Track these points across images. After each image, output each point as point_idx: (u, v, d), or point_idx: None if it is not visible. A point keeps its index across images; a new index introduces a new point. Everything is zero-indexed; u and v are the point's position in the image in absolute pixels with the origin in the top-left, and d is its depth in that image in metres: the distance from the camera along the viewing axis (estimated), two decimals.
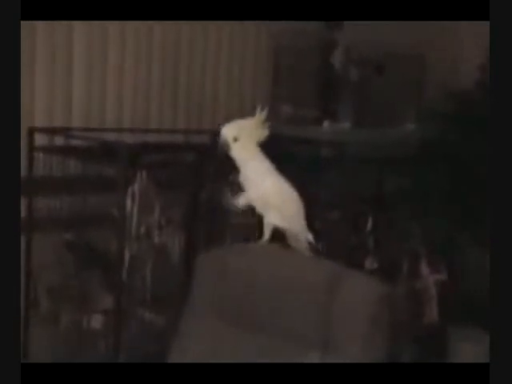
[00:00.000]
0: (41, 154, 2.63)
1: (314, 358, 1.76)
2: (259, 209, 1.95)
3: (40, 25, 2.71)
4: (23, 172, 2.48)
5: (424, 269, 3.22)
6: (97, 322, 2.53)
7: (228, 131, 1.87)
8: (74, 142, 2.65)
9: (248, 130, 1.88)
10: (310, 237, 2.01)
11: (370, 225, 3.03)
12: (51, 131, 2.70)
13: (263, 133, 1.89)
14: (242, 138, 1.86)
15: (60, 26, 2.77)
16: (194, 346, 1.93)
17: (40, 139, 2.66)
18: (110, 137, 2.73)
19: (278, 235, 1.98)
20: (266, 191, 1.90)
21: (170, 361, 1.94)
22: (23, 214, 2.58)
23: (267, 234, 1.96)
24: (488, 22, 1.72)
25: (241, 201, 1.93)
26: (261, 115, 1.88)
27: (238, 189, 1.97)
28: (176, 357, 1.94)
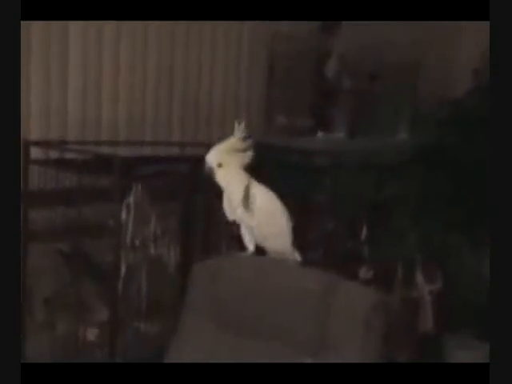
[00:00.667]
0: (36, 167, 2.63)
1: (309, 362, 1.77)
2: (248, 226, 1.97)
3: (35, 28, 2.71)
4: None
5: (419, 278, 3.22)
6: (92, 332, 2.54)
7: (211, 158, 1.91)
8: (70, 155, 2.66)
9: (230, 154, 1.91)
10: (297, 255, 2.03)
11: (364, 233, 3.04)
12: (46, 144, 2.71)
13: (247, 155, 1.92)
14: (226, 164, 1.90)
15: (55, 31, 2.78)
16: (191, 354, 1.93)
17: (35, 152, 2.66)
18: (105, 149, 2.74)
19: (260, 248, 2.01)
20: (255, 212, 1.93)
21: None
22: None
23: (253, 245, 1.99)
24: (488, 22, 1.73)
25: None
26: (239, 133, 1.90)
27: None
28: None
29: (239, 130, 1.91)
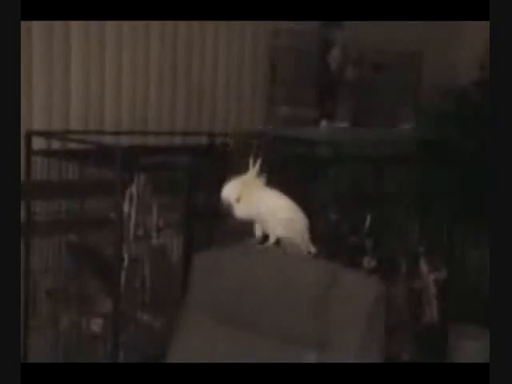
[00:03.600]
0: (38, 158, 2.62)
1: (311, 356, 1.76)
2: (265, 227, 1.98)
3: (36, 25, 2.70)
4: (21, 175, 2.48)
5: (423, 267, 3.22)
6: (96, 324, 2.53)
7: (229, 194, 1.89)
8: (72, 145, 2.65)
9: (247, 187, 1.90)
10: (312, 249, 2.04)
11: (368, 224, 3.03)
12: (49, 135, 2.70)
13: (260, 182, 1.92)
14: (244, 197, 1.89)
15: (57, 26, 2.77)
16: (192, 345, 1.93)
17: (37, 143, 2.65)
18: (108, 139, 2.73)
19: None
20: (276, 212, 1.94)
21: (168, 361, 1.94)
22: (21, 217, 2.58)
23: (273, 238, 1.99)
24: (488, 22, 1.73)
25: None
26: (254, 170, 1.89)
27: None
28: (174, 357, 1.95)
29: (254, 165, 1.90)
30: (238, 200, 1.89)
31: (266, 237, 1.99)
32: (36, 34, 2.71)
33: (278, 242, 2.00)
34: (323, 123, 3.36)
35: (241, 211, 1.90)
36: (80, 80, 2.87)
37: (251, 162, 1.90)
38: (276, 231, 1.97)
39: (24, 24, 2.54)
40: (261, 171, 1.92)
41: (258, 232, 1.99)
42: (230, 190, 1.89)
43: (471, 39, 3.82)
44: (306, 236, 2.02)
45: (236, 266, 1.94)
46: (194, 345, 1.94)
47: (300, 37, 3.37)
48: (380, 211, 3.07)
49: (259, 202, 1.92)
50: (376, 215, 3.03)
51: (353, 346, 1.75)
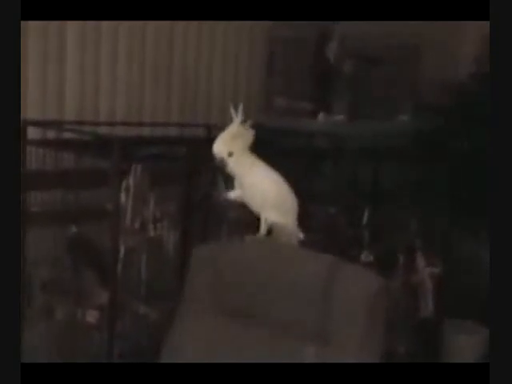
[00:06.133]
0: (33, 148, 2.60)
1: (311, 350, 1.75)
2: (256, 207, 1.98)
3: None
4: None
5: (420, 262, 3.21)
6: (92, 316, 2.52)
7: (220, 149, 1.90)
8: (67, 136, 2.63)
9: (237, 139, 1.90)
10: (301, 235, 2.04)
11: (365, 217, 3.03)
12: (44, 124, 2.67)
13: (250, 135, 1.93)
14: (236, 151, 1.90)
15: (52, 21, 2.75)
16: (189, 338, 1.92)
17: (32, 133, 2.63)
18: (104, 130, 2.71)
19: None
20: (266, 191, 1.95)
21: (165, 355, 1.93)
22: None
23: (264, 228, 1.99)
24: (488, 22, 1.72)
25: (232, 194, 1.99)
26: (238, 117, 1.91)
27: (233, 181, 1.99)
28: (172, 351, 1.94)
29: (237, 114, 1.91)
30: (230, 154, 1.90)
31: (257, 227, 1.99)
32: (32, 26, 2.69)
33: (269, 231, 2.00)
34: (321, 116, 3.35)
35: (234, 166, 1.92)
36: (75, 71, 2.85)
37: (232, 110, 1.90)
38: (268, 216, 1.97)
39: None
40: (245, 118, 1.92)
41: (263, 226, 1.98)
42: (221, 145, 1.90)
43: (470, 33, 3.81)
44: (295, 220, 2.02)
45: (235, 259, 1.93)
46: (191, 336, 1.93)
47: (297, 29, 3.36)
48: (378, 204, 3.06)
49: (250, 168, 1.93)
50: (374, 208, 3.03)
51: (353, 339, 1.75)
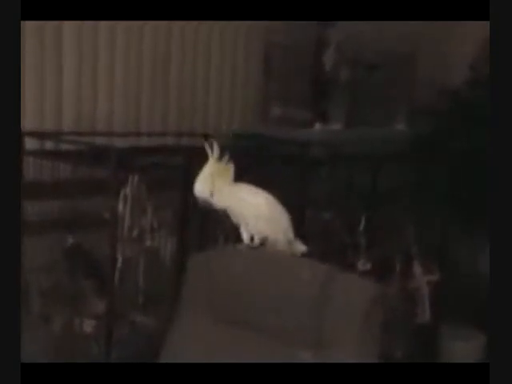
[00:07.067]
0: (31, 158, 2.61)
1: (306, 357, 1.76)
2: (245, 223, 1.96)
3: (29, 25, 2.69)
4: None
5: (417, 269, 3.21)
6: (89, 324, 2.53)
7: (201, 190, 1.89)
8: (65, 146, 2.64)
9: (217, 177, 1.88)
10: (303, 247, 2.03)
11: (362, 225, 3.03)
12: (41, 135, 2.68)
13: (229, 169, 1.90)
14: (217, 189, 1.88)
15: (49, 26, 2.75)
16: (187, 346, 1.93)
17: (30, 143, 2.64)
18: (101, 140, 2.72)
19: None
20: (258, 205, 1.93)
21: (162, 361, 1.94)
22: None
23: (257, 240, 1.97)
24: (488, 22, 1.73)
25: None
26: (214, 154, 1.87)
27: None
28: (168, 357, 1.94)
29: (213, 150, 1.87)
30: (212, 194, 1.88)
31: (252, 238, 1.98)
32: (28, 34, 2.70)
33: (263, 242, 1.98)
34: (317, 124, 3.36)
35: (219, 203, 1.90)
36: (72, 81, 2.86)
37: (207, 149, 1.87)
38: (259, 231, 1.96)
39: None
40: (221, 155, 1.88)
41: (245, 235, 1.97)
42: (201, 186, 1.89)
43: (466, 38, 3.82)
44: (292, 234, 2.01)
45: (231, 266, 1.93)
46: (188, 345, 1.94)
47: (294, 36, 3.37)
48: (375, 212, 3.07)
49: (236, 196, 1.91)
50: (370, 216, 3.03)
51: (348, 346, 1.75)
